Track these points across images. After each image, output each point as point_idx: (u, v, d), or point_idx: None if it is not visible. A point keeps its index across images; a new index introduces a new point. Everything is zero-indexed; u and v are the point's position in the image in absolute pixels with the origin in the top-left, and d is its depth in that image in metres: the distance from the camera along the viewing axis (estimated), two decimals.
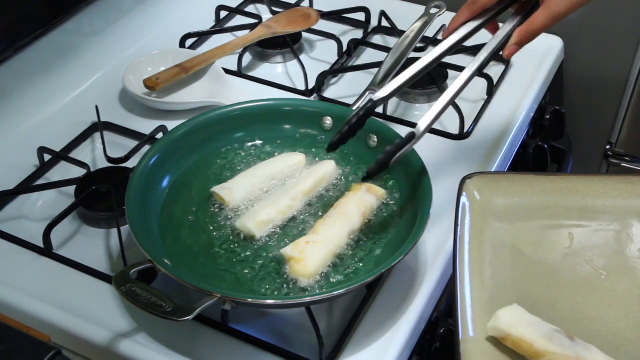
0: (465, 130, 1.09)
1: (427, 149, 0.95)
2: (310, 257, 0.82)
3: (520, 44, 0.92)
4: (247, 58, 1.26)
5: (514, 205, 0.89)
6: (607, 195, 0.90)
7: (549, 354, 0.76)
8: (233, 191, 0.91)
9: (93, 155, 1.07)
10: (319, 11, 1.30)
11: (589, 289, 0.84)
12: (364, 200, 0.90)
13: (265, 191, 0.93)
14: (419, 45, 1.12)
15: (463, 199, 0.87)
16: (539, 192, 0.90)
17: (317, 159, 0.98)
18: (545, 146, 1.25)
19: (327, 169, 0.94)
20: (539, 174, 0.91)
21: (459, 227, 0.85)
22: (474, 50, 1.24)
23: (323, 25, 1.30)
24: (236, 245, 0.87)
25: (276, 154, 0.98)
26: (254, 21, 1.29)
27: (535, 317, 0.79)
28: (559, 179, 0.91)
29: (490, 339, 0.79)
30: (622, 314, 0.82)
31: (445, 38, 0.95)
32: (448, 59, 1.21)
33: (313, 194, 0.92)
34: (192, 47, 1.27)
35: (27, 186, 1.00)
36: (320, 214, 0.90)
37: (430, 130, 1.10)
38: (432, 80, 1.16)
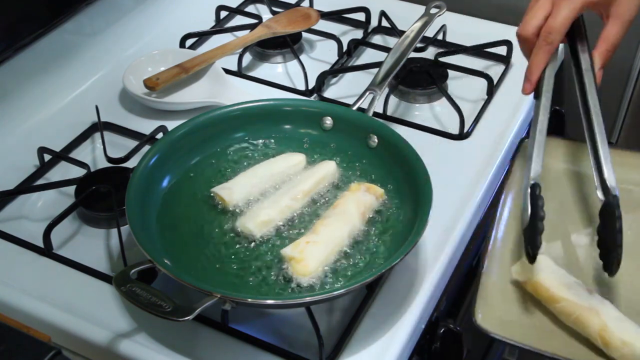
0: (465, 130, 1.09)
1: (427, 149, 0.95)
2: (310, 257, 0.82)
3: (604, 64, 0.92)
4: (247, 58, 1.26)
5: (568, 171, 0.93)
6: None
7: (563, 301, 0.79)
8: (233, 191, 0.91)
9: (93, 155, 1.07)
10: (319, 11, 1.30)
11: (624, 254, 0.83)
12: (363, 200, 0.90)
13: (265, 191, 0.93)
14: (419, 45, 1.12)
15: (519, 158, 0.93)
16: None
17: (317, 159, 0.98)
18: None
19: (328, 169, 0.94)
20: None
21: (509, 180, 0.90)
22: (474, 50, 1.25)
23: (323, 25, 1.30)
24: (236, 245, 0.87)
25: (276, 154, 0.98)
26: (254, 21, 1.29)
27: (560, 268, 0.81)
28: (623, 153, 0.96)
29: (513, 282, 0.82)
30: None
31: (529, 93, 0.91)
32: (448, 59, 1.22)
33: (313, 194, 0.92)
34: (192, 47, 1.27)
35: (27, 186, 1.00)
36: (320, 213, 0.90)
37: (430, 130, 1.10)
38: (432, 80, 1.16)
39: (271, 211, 0.88)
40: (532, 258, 0.80)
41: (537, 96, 0.91)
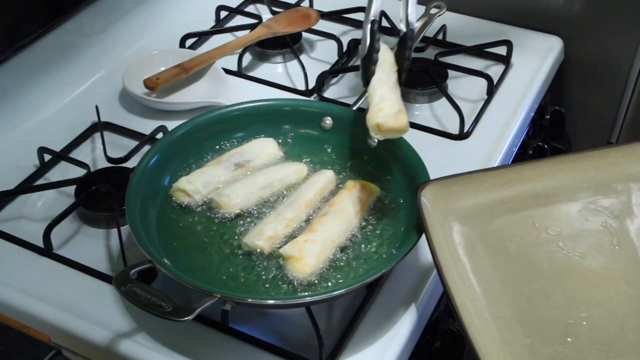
0: (465, 130, 1.09)
1: (427, 149, 0.95)
2: (309, 255, 0.83)
3: None
4: (247, 58, 1.26)
5: (473, 206, 0.88)
6: (553, 177, 0.90)
7: None
8: (231, 198, 0.90)
9: (93, 155, 1.07)
10: (319, 11, 1.30)
11: (571, 273, 0.85)
12: (359, 198, 0.90)
13: (264, 199, 0.92)
14: (419, 45, 1.12)
15: (423, 211, 0.84)
16: (491, 187, 0.89)
17: (316, 159, 0.98)
18: (545, 146, 1.25)
19: (327, 178, 0.93)
20: (487, 170, 0.90)
21: (434, 244, 0.82)
22: (474, 50, 1.25)
23: (323, 25, 1.30)
24: (235, 245, 0.87)
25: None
26: (254, 21, 1.28)
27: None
28: (506, 171, 0.90)
29: None
30: (612, 291, 0.83)
31: None
32: (448, 59, 1.22)
33: (314, 204, 0.92)
34: (192, 47, 1.27)
35: (27, 186, 1.00)
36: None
37: (430, 130, 1.10)
38: (432, 80, 1.16)
39: (276, 225, 0.87)
40: (367, 82, 0.92)
41: None
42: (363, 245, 0.87)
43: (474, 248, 0.85)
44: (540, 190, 0.90)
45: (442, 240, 0.84)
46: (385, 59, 0.94)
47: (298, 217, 0.89)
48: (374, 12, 0.94)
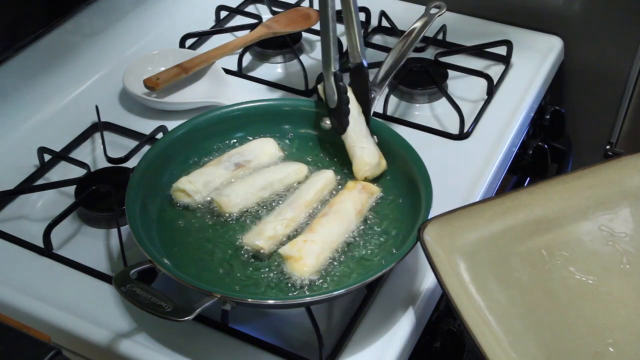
0: (465, 130, 1.09)
1: (427, 149, 0.95)
2: (309, 255, 0.83)
3: None
4: (247, 58, 1.26)
5: (477, 240, 0.86)
6: (551, 200, 0.89)
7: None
8: (231, 198, 0.90)
9: (93, 155, 1.07)
10: (318, 11, 1.30)
11: (588, 299, 0.83)
12: (359, 198, 0.90)
13: (264, 199, 0.92)
14: (419, 45, 1.12)
15: (429, 251, 0.81)
16: (491, 218, 0.87)
17: (316, 159, 0.98)
18: (545, 146, 1.25)
19: (327, 178, 0.93)
20: (484, 201, 0.88)
21: (446, 285, 0.80)
22: (474, 50, 1.25)
23: None
24: (234, 246, 0.87)
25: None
26: (254, 21, 1.29)
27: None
28: (504, 199, 0.88)
29: None
30: (633, 313, 0.82)
31: None
32: (448, 59, 1.22)
33: (314, 204, 0.92)
34: (192, 47, 1.27)
35: (27, 186, 1.00)
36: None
37: (430, 130, 1.10)
38: (432, 80, 1.16)
39: (276, 225, 0.87)
40: (342, 130, 0.96)
41: None
42: (363, 246, 0.87)
43: (486, 284, 0.83)
44: (541, 215, 0.88)
45: (455, 279, 0.81)
46: (352, 105, 0.97)
47: (298, 217, 0.89)
48: (333, 63, 0.94)
